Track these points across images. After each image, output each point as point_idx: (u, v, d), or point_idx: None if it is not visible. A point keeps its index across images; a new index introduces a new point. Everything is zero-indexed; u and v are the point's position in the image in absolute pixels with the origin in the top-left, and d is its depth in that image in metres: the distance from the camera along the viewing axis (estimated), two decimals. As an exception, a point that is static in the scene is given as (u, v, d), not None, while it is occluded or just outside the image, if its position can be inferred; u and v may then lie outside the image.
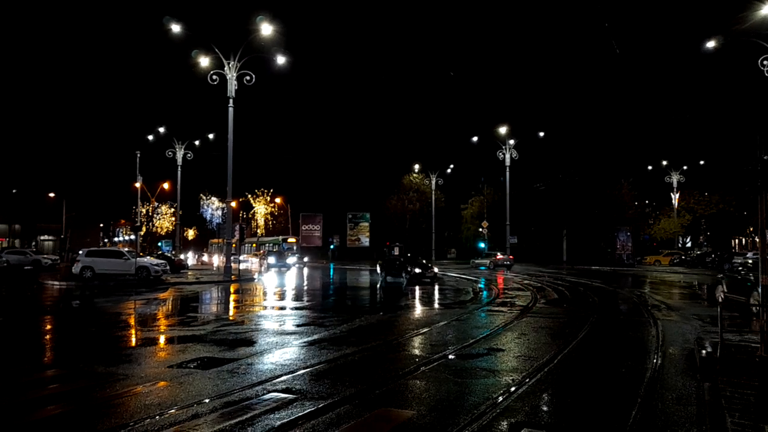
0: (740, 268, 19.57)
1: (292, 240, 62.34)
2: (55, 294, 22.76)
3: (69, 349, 10.78)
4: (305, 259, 55.03)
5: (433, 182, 63.33)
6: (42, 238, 75.99)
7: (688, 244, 66.82)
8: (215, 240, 77.84)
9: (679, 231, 60.58)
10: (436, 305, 18.64)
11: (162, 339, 11.79)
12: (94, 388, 7.41)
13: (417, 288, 24.72)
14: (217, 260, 48.14)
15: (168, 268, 30.12)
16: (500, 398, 7.00)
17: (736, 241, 70.75)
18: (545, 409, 6.88)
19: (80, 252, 29.48)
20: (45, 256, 47.69)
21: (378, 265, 32.77)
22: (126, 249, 38.26)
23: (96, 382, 7.75)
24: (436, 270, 29.34)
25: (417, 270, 27.27)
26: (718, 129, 54.00)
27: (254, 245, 66.90)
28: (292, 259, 50.42)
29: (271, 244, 62.78)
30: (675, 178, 58.91)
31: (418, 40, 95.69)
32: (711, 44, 26.92)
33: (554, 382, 8.08)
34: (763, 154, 9.30)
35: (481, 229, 57.17)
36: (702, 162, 58.80)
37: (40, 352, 10.60)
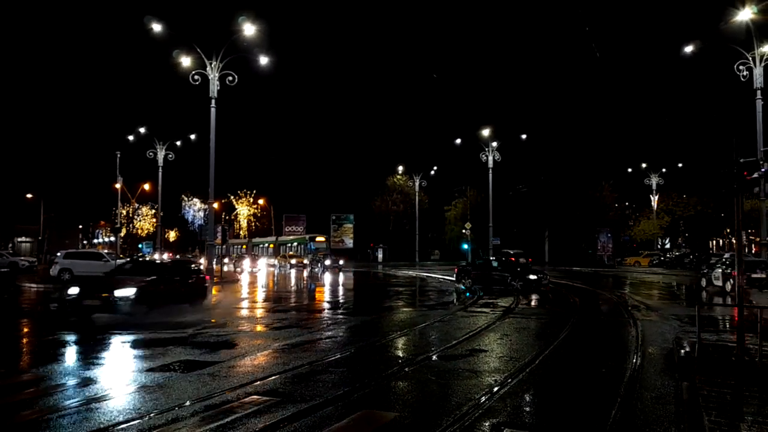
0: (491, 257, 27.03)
1: (321, 239, 52.01)
2: (32, 296, 22.34)
3: (46, 353, 10.57)
4: (341, 262, 45.12)
5: (417, 184, 63.49)
6: (19, 239, 74.47)
7: (667, 246, 67.81)
8: (233, 241, 74.30)
9: (659, 232, 61.48)
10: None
11: (141, 342, 11.62)
12: (71, 392, 7.28)
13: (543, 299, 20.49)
14: (245, 265, 41.84)
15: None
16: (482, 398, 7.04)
17: (714, 242, 72.05)
18: (527, 409, 6.94)
19: (58, 254, 29.00)
20: (22, 258, 46.66)
21: (459, 272, 26.68)
22: (105, 251, 37.72)
23: (74, 385, 7.62)
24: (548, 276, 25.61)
25: (533, 276, 23.39)
26: (696, 132, 55.00)
27: (270, 246, 58.57)
28: (326, 263, 41.13)
29: (294, 245, 54.75)
30: (654, 181, 59.80)
31: (402, 42, 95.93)
32: (689, 49, 27.36)
33: (536, 382, 8.14)
34: (740, 157, 9.49)
35: (464, 231, 57.38)
36: (680, 164, 59.78)
37: (17, 356, 10.39)
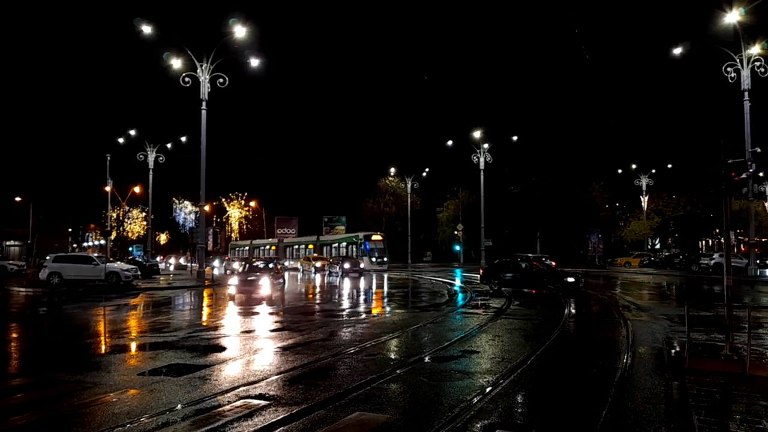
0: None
1: (377, 238, 45.81)
2: (21, 301, 22.13)
3: (35, 358, 10.49)
4: (361, 265, 41.15)
5: (409, 185, 63.51)
6: (8, 243, 73.73)
7: (657, 246, 68.31)
8: (241, 242, 66.49)
9: (649, 233, 61.93)
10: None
11: (132, 346, 11.56)
12: (61, 397, 7.22)
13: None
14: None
15: (139, 273, 29.58)
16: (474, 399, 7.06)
17: (703, 242, 72.66)
18: (519, 410, 6.95)
19: (48, 257, 28.72)
20: (11, 261, 46.25)
21: (485, 273, 25.38)
22: (95, 254, 37.43)
23: (63, 390, 7.55)
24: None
25: (570, 279, 22.10)
26: (685, 133, 55.56)
27: (310, 246, 52.23)
28: (345, 266, 37.87)
29: (343, 245, 47.85)
30: (644, 181, 60.26)
31: (393, 43, 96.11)
32: (678, 51, 27.61)
33: (527, 383, 8.17)
34: (728, 158, 9.58)
35: (456, 232, 57.60)
36: (670, 165, 60.32)
37: (5, 360, 10.27)
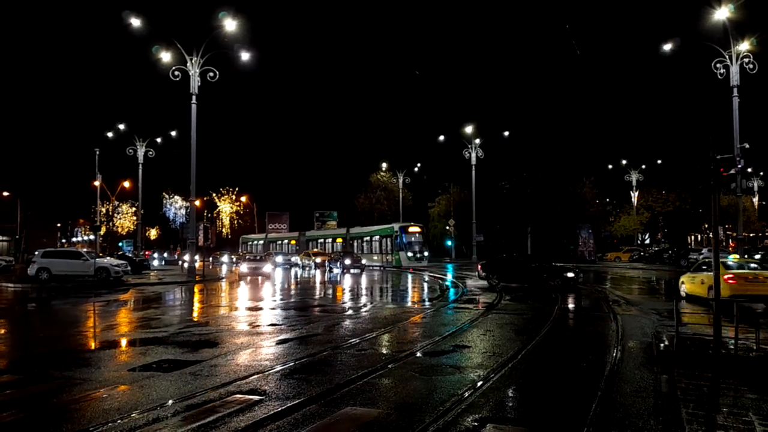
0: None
1: (415, 229, 41.88)
2: (9, 297, 21.93)
3: (24, 354, 10.40)
4: (363, 262, 39.18)
5: (401, 181, 63.48)
6: (-5, 238, 72.99)
7: (647, 241, 68.84)
8: (254, 236, 62.63)
9: (639, 228, 62.41)
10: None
11: (122, 342, 11.50)
12: (50, 394, 7.17)
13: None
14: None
15: (129, 268, 29.40)
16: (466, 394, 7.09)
17: (692, 237, 73.34)
18: (509, 404, 7.00)
19: (36, 253, 28.49)
20: (-1, 257, 45.88)
21: (484, 267, 25.22)
22: (85, 250, 37.17)
23: (53, 387, 7.50)
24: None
25: (570, 274, 22.10)
26: (675, 129, 55.95)
27: (338, 240, 48.39)
28: (345, 262, 36.38)
29: (375, 238, 43.86)
30: (634, 177, 60.64)
31: (385, 38, 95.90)
32: (668, 47, 27.71)
33: (518, 377, 8.21)
34: (716, 154, 9.66)
35: (448, 227, 57.63)
36: (660, 161, 60.74)
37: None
